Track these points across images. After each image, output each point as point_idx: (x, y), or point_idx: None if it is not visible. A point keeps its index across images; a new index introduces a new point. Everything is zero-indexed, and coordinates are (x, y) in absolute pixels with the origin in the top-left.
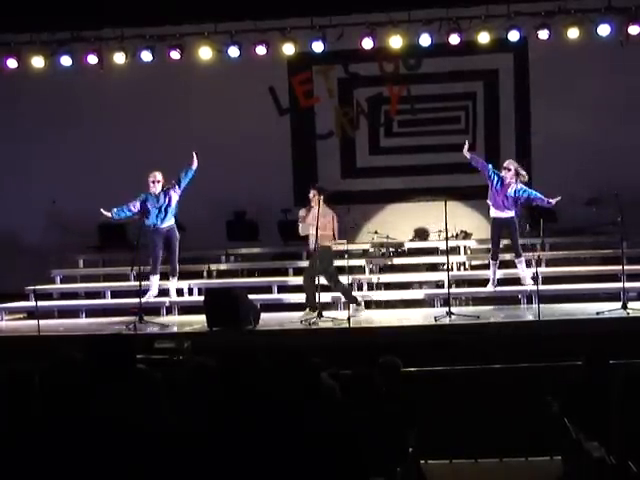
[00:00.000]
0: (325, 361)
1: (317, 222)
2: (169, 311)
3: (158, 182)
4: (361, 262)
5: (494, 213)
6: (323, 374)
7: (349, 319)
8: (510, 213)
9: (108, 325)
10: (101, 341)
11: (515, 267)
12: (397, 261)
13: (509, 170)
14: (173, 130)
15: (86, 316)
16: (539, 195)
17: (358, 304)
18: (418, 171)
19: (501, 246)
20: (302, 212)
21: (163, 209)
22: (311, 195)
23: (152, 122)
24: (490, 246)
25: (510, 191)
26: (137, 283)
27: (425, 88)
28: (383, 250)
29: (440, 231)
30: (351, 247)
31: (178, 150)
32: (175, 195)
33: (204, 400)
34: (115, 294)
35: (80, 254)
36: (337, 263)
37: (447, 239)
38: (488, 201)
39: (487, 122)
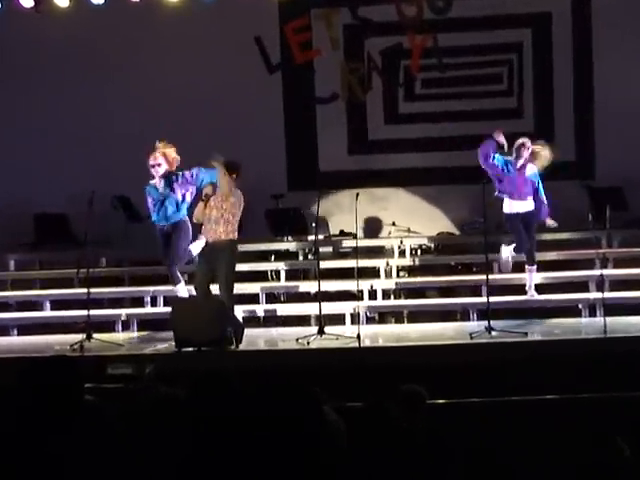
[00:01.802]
0: (328, 391)
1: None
2: (126, 326)
3: (158, 166)
4: (375, 262)
5: (512, 206)
6: (325, 408)
7: (359, 336)
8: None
9: (47, 345)
10: (37, 366)
11: (565, 269)
12: (420, 261)
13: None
14: (132, 93)
15: (18, 333)
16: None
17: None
18: (448, 145)
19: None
20: (208, 190)
21: (163, 202)
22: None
23: (105, 82)
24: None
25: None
26: (84, 290)
27: (457, 37)
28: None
29: (475, 221)
30: (361, 244)
31: (138, 119)
32: (179, 189)
33: (171, 443)
34: (56, 304)
35: (10, 253)
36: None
37: (485, 233)
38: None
39: (537, 82)
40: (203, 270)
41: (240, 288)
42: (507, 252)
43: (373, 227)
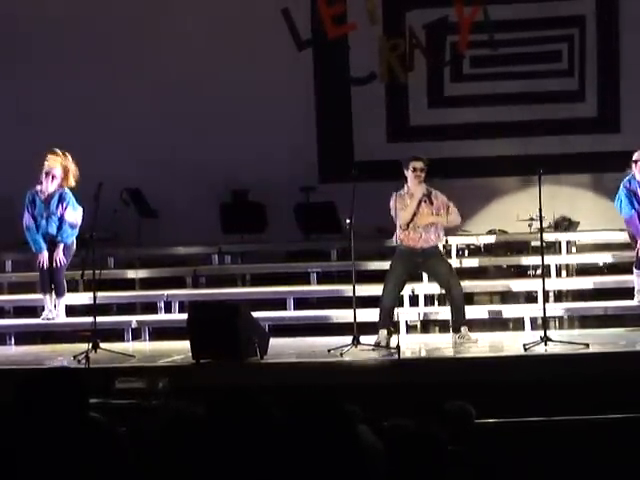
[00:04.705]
0: (364, 409)
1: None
2: (137, 335)
3: (53, 178)
4: None
5: None
6: (361, 428)
7: (399, 347)
8: None
9: (48, 355)
10: (37, 379)
11: None
12: (468, 263)
13: None
14: (145, 75)
15: (16, 342)
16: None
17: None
18: (500, 132)
19: None
20: (418, 191)
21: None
22: (420, 167)
23: (107, 62)
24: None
25: None
26: (90, 295)
27: (510, 10)
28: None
29: (531, 219)
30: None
31: (151, 103)
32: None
33: (188, 466)
34: None
35: (7, 252)
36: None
37: (541, 230)
38: None
39: (601, 60)
40: (403, 278)
41: (265, 292)
42: None
43: None
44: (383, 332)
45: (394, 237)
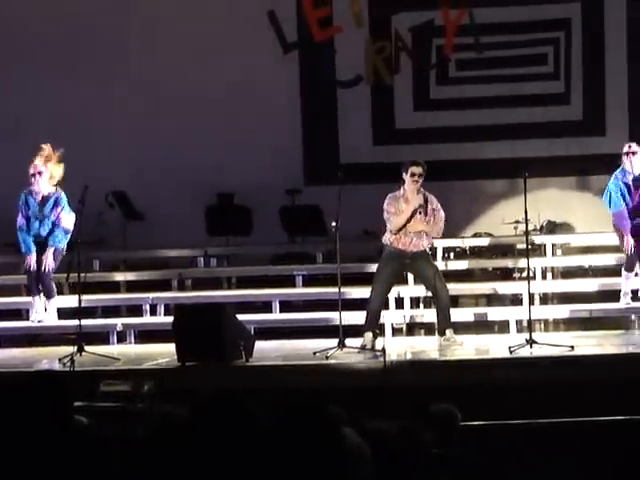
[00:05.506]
0: (350, 412)
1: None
2: (122, 338)
3: (40, 174)
4: None
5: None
6: (347, 430)
7: (384, 350)
8: None
9: (33, 359)
10: (22, 382)
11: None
12: (453, 265)
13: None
14: (131, 76)
15: (1, 345)
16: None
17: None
18: (486, 134)
19: None
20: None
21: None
22: (418, 172)
23: (95, 64)
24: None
25: None
26: (75, 297)
27: (496, 13)
28: None
29: (517, 222)
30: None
31: (137, 104)
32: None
33: (174, 468)
34: None
35: None
36: None
37: (527, 233)
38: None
39: (586, 63)
40: (390, 280)
41: (250, 294)
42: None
43: None
44: (369, 335)
45: (384, 238)
